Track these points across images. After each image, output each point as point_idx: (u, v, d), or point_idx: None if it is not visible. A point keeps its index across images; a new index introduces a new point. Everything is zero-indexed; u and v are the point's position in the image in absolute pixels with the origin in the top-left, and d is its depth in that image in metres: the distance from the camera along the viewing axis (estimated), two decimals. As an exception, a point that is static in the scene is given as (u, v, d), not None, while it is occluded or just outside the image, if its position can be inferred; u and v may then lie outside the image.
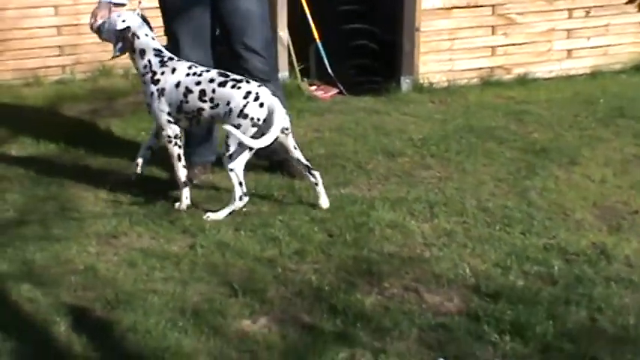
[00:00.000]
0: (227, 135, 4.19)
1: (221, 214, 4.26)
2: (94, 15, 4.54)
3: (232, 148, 4.18)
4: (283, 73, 6.86)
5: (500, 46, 7.02)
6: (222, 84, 4.26)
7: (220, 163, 4.50)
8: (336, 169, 4.96)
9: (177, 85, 4.30)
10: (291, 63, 6.95)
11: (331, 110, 6.32)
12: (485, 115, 6.06)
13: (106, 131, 5.77)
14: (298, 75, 6.92)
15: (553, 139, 5.49)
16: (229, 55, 4.77)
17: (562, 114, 6.07)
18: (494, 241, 3.93)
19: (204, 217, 4.26)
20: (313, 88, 6.92)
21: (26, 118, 6.08)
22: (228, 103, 4.21)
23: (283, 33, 6.89)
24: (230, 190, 4.27)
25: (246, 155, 4.23)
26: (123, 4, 4.63)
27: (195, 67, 4.36)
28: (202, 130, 4.74)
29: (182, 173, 4.39)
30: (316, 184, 4.40)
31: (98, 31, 4.51)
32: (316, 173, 4.42)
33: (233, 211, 4.25)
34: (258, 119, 4.17)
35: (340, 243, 3.93)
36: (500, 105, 6.36)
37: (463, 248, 3.88)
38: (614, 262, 3.77)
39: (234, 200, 4.24)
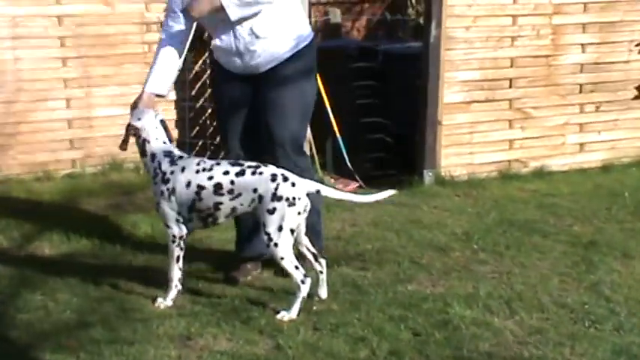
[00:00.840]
0: (263, 224, 4.07)
1: (294, 310, 4.10)
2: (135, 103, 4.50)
3: (274, 236, 4.06)
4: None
5: (518, 139, 7.07)
6: (239, 174, 4.16)
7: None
8: (391, 265, 4.85)
9: (188, 184, 4.19)
10: (312, 156, 6.88)
11: (358, 205, 6.21)
12: (517, 209, 6.04)
13: (135, 227, 5.57)
14: (319, 169, 6.85)
15: (595, 233, 5.47)
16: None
17: (593, 207, 6.08)
18: (591, 339, 3.83)
19: (279, 317, 4.09)
20: (332, 181, 6.85)
21: (48, 213, 5.86)
22: (255, 190, 4.11)
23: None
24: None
25: (290, 238, 4.11)
26: (162, 95, 4.56)
27: (204, 161, 4.27)
28: (250, 224, 4.59)
29: (176, 276, 4.30)
30: (321, 272, 4.31)
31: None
32: (323, 261, 4.33)
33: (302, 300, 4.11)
34: (294, 198, 4.07)
35: (432, 342, 3.79)
36: (527, 198, 6.36)
37: (561, 347, 3.77)
38: None
39: (299, 288, 4.10)
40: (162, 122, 4.37)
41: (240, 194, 4.14)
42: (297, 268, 4.13)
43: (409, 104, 6.93)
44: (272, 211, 4.06)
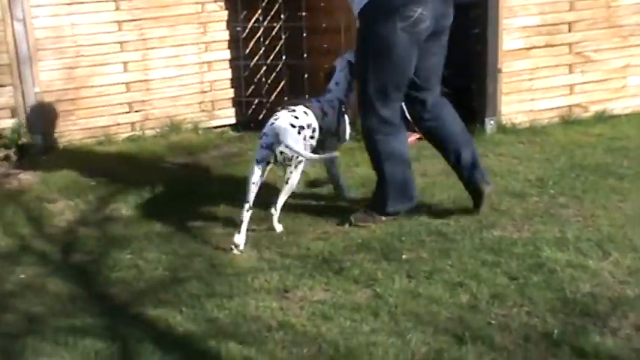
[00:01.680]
0: None
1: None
2: None
3: None
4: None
5: (578, 84, 6.98)
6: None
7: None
8: (470, 213, 4.81)
9: None
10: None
11: (424, 155, 6.17)
12: (586, 153, 5.98)
13: (204, 184, 5.59)
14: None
15: (674, 173, 5.41)
16: None
17: (665, 147, 6.01)
18: (693, 277, 3.80)
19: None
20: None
21: (117, 176, 5.87)
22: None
23: (363, 80, 6.78)
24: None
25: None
26: None
27: None
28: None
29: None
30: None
31: None
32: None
33: None
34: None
35: (531, 285, 3.78)
36: (593, 142, 6.29)
37: (664, 284, 3.74)
38: None
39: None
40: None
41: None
42: None
43: (467, 54, 6.84)
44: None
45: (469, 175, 4.73)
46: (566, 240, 4.31)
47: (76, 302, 3.88)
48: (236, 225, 4.51)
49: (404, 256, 4.21)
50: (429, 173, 5.67)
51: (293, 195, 4.70)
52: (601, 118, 6.93)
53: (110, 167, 6.15)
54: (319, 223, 4.76)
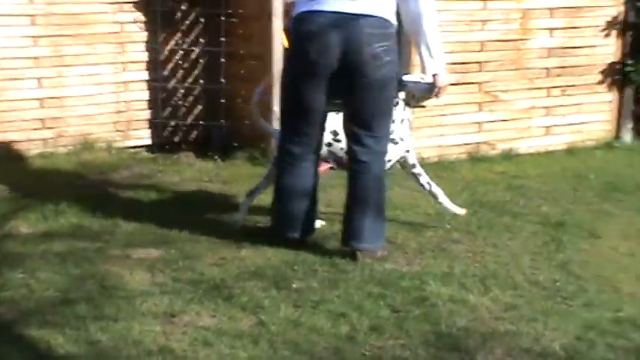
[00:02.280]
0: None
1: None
2: None
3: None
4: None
5: (487, 122, 7.20)
6: None
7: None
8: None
9: None
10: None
11: (332, 185, 6.30)
12: (487, 190, 6.18)
13: (112, 205, 5.60)
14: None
15: (564, 213, 5.62)
16: None
17: (560, 188, 6.25)
18: (563, 315, 3.97)
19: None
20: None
21: (21, 193, 5.86)
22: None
23: (277, 108, 6.88)
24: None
25: None
26: None
27: None
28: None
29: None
30: None
31: None
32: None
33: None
34: None
35: (411, 318, 3.90)
36: (496, 180, 6.50)
37: (534, 322, 3.90)
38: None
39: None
40: None
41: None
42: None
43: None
44: None
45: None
46: (452, 275, 4.45)
47: (-42, 321, 3.87)
48: (135, 246, 4.56)
49: (294, 285, 4.30)
50: (333, 204, 5.76)
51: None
52: (507, 156, 7.17)
53: (16, 183, 6.11)
54: (219, 249, 4.81)
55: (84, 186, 6.14)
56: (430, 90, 4.79)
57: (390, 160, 4.94)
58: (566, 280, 4.42)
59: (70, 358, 3.51)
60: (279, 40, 6.74)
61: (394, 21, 4.59)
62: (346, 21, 4.44)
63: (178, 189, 6.08)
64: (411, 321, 3.87)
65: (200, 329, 3.78)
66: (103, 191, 5.97)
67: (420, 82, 4.89)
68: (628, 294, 4.27)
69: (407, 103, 5.00)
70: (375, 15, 4.47)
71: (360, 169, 4.66)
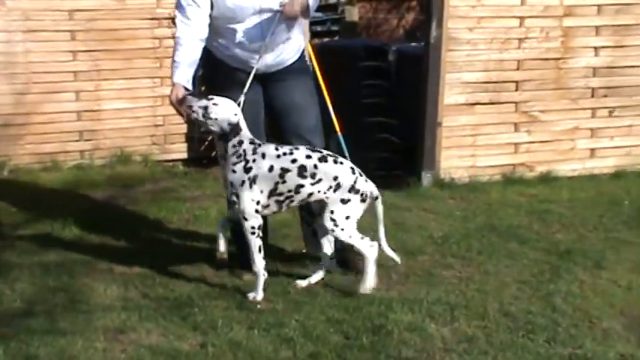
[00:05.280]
0: (331, 211, 4.26)
1: (370, 280, 4.36)
2: (175, 96, 4.35)
3: (340, 222, 4.29)
4: (303, 165, 6.79)
5: (523, 143, 6.94)
6: (322, 159, 4.30)
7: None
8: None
9: (271, 168, 4.25)
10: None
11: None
12: (507, 214, 5.94)
13: (121, 220, 5.70)
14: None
15: (577, 241, 5.35)
16: (278, 133, 4.72)
17: (586, 214, 5.94)
18: (517, 349, 3.76)
19: (361, 290, 4.34)
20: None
21: (42, 203, 6.04)
22: (335, 178, 4.25)
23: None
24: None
25: (354, 224, 4.32)
26: (188, 90, 4.43)
27: (281, 146, 4.35)
28: None
29: (261, 264, 4.32)
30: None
31: (192, 111, 4.28)
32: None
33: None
34: (366, 195, 4.33)
35: (357, 347, 3.78)
36: (522, 203, 6.25)
37: (484, 355, 3.71)
38: (644, 376, 3.59)
39: (367, 256, 4.34)
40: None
41: (320, 180, 4.27)
42: (362, 238, 4.35)
43: (417, 104, 6.86)
44: (345, 201, 4.26)
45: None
46: (424, 302, 4.29)
47: None
48: (122, 261, 4.66)
49: (258, 307, 4.24)
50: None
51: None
52: (544, 179, 6.89)
53: (41, 194, 6.31)
54: (203, 267, 4.80)
55: (102, 198, 6.26)
56: None
57: None
58: (541, 312, 4.19)
59: (2, 371, 3.55)
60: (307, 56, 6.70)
61: None
62: None
63: (193, 204, 6.11)
64: (355, 349, 3.75)
65: (140, 347, 3.78)
66: (118, 204, 6.08)
67: None
68: (602, 330, 4.01)
69: None
70: None
71: None
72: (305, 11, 4.44)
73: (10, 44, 6.81)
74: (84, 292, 4.44)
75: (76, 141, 7.13)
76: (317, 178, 4.27)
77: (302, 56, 4.77)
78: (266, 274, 4.34)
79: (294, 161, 4.27)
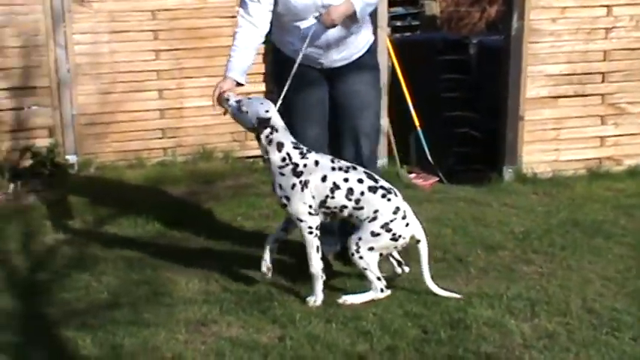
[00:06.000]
0: (360, 237, 4.16)
1: (359, 298, 4.23)
2: (219, 87, 4.42)
3: (363, 251, 4.16)
4: (382, 160, 6.80)
5: (610, 136, 6.78)
6: (372, 189, 4.19)
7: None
8: (433, 262, 4.75)
9: (324, 179, 4.19)
10: (390, 150, 6.89)
11: (430, 199, 6.19)
12: (592, 209, 5.82)
13: (203, 215, 5.78)
14: (398, 162, 6.83)
15: (665, 236, 5.20)
16: (335, 133, 4.72)
17: (677, 210, 5.76)
18: (601, 347, 3.68)
19: (341, 300, 4.21)
20: (412, 175, 6.81)
21: (127, 199, 6.15)
22: (375, 211, 4.15)
23: (383, 120, 6.84)
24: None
25: (376, 258, 4.21)
26: (241, 84, 4.52)
27: (338, 161, 4.29)
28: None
29: (319, 265, 4.23)
30: (400, 275, 4.41)
31: (228, 106, 4.35)
32: (406, 268, 4.43)
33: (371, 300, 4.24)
34: (400, 236, 4.17)
35: (434, 341, 3.75)
36: (608, 198, 6.11)
37: (566, 352, 3.64)
38: None
39: (375, 291, 4.22)
40: None
41: (362, 207, 4.20)
42: (379, 279, 4.22)
43: (499, 98, 6.78)
44: (375, 234, 4.15)
45: None
46: (504, 298, 4.24)
47: (11, 319, 4.13)
48: (203, 255, 4.75)
49: (338, 300, 4.24)
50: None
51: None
52: (633, 173, 6.73)
53: (126, 190, 6.44)
54: (280, 262, 4.81)
55: (184, 194, 6.36)
56: None
57: None
58: (627, 309, 4.08)
59: (88, 360, 3.65)
60: (384, 53, 6.70)
61: None
62: None
63: (273, 200, 6.10)
64: (433, 343, 3.73)
65: (221, 339, 3.83)
66: (199, 200, 6.16)
67: None
68: (692, 328, 3.88)
69: None
70: None
71: None
72: (350, 18, 4.41)
73: (96, 45, 6.96)
74: (166, 285, 4.51)
75: (159, 138, 7.24)
76: (360, 204, 4.18)
77: (369, 51, 4.71)
78: (324, 276, 4.26)
79: (345, 180, 4.20)
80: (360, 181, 4.20)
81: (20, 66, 6.83)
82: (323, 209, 4.23)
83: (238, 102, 4.32)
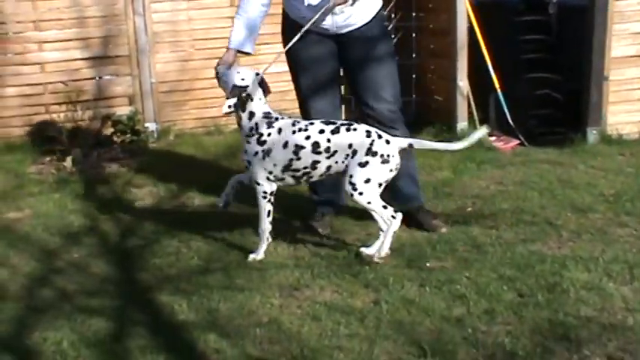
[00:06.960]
0: (350, 175, 4.16)
1: (386, 245, 4.23)
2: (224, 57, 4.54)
3: (360, 186, 4.16)
4: (462, 124, 6.72)
5: (697, 95, 6.59)
6: (334, 131, 4.22)
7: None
8: (523, 225, 4.74)
9: (285, 145, 4.25)
10: (470, 113, 6.80)
11: (513, 162, 6.10)
12: (685, 169, 5.66)
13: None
14: (478, 125, 6.74)
15: None
16: (357, 101, 4.75)
17: None
18: None
19: (376, 259, 4.21)
20: (493, 138, 6.72)
21: (208, 166, 6.21)
22: (350, 146, 4.17)
23: (463, 83, 6.76)
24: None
25: (377, 190, 4.20)
26: (248, 53, 4.67)
27: (298, 122, 4.34)
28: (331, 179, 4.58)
29: (267, 228, 4.40)
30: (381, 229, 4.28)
31: (217, 74, 4.51)
32: (394, 218, 4.29)
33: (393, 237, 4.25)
34: (388, 155, 4.13)
35: (532, 304, 3.70)
36: (699, 158, 5.94)
37: (671, 316, 3.56)
38: None
39: (389, 224, 4.20)
40: (262, 80, 4.46)
41: (336, 152, 4.23)
42: (385, 207, 4.23)
43: (582, 58, 6.61)
44: (363, 164, 4.16)
45: None
46: (600, 261, 4.16)
47: (106, 284, 4.20)
48: (288, 219, 4.79)
49: (428, 264, 4.23)
50: (504, 182, 5.58)
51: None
52: None
53: (206, 157, 6.49)
54: (369, 224, 4.80)
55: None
56: None
57: None
58: None
59: (186, 324, 3.69)
60: (464, 15, 6.60)
61: None
62: None
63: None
64: (531, 307, 3.67)
65: (315, 304, 3.83)
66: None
67: None
68: None
69: None
70: None
71: None
72: None
73: (174, 13, 6.99)
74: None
75: (237, 105, 7.23)
76: (332, 151, 4.19)
77: (376, 18, 4.65)
78: (270, 239, 4.40)
79: (307, 138, 4.22)
80: (322, 131, 4.24)
81: (100, 35, 6.90)
82: (290, 173, 4.31)
83: (224, 71, 4.44)
